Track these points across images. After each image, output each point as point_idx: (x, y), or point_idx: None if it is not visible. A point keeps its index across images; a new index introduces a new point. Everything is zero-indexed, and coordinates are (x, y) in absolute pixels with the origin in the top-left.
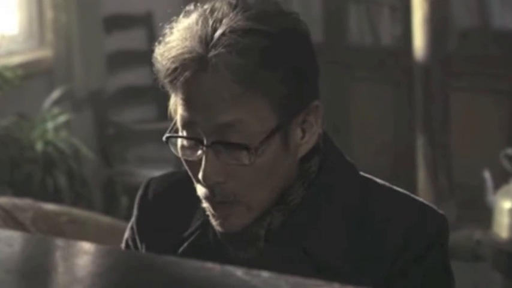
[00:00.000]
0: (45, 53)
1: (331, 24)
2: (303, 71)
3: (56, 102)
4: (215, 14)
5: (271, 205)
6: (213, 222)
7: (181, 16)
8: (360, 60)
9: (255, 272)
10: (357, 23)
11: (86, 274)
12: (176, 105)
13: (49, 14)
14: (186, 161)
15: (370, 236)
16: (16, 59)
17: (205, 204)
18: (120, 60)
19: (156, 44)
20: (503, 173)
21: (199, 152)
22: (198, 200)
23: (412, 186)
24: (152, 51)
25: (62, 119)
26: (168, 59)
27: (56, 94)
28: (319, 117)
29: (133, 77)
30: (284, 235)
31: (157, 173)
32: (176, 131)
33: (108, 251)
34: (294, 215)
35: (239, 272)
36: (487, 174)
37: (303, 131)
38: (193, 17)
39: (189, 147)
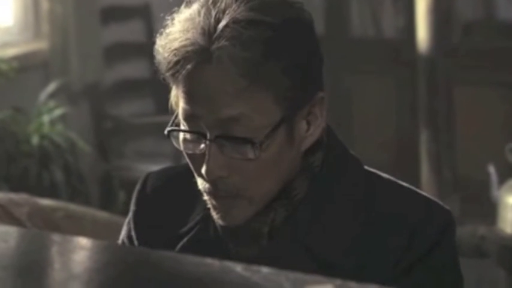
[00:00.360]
0: (40, 45)
1: (332, 16)
2: (307, 62)
3: (52, 95)
4: (218, 4)
5: (273, 198)
6: (214, 215)
7: (182, 6)
8: (361, 52)
9: (254, 267)
10: (359, 14)
11: (83, 270)
12: (177, 98)
13: (45, 5)
14: (188, 154)
15: (374, 232)
16: (11, 51)
17: (206, 197)
18: (117, 52)
19: (157, 35)
20: (508, 168)
21: (202, 145)
22: (197, 194)
23: (416, 181)
24: (150, 43)
25: (58, 112)
26: (170, 52)
27: (51, 87)
28: (324, 109)
29: (131, 69)
30: (287, 232)
31: (155, 167)
32: (178, 124)
33: (106, 246)
34: (297, 210)
35: (239, 267)
36: (491, 169)
37: (308, 124)
38: (195, 7)
39: (191, 141)
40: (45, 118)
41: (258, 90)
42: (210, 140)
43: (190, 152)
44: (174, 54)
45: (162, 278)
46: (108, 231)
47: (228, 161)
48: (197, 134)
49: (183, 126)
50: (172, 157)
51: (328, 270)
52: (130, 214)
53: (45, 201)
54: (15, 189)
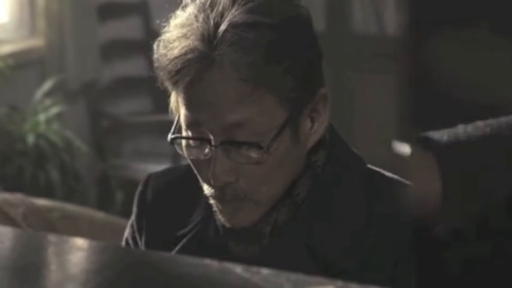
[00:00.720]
0: (36, 42)
1: (334, 12)
2: (308, 60)
3: (48, 94)
4: (215, 8)
5: (279, 199)
6: (220, 218)
7: (178, 11)
8: (364, 50)
9: (254, 269)
10: (361, 10)
11: (80, 271)
12: (178, 103)
13: (40, 1)
14: (192, 160)
15: (376, 231)
16: (6, 48)
17: (212, 201)
18: (114, 49)
19: (155, 43)
20: None
21: (207, 150)
22: (198, 195)
23: None
24: (148, 40)
25: (54, 110)
26: (170, 60)
27: (48, 85)
28: (327, 106)
29: (128, 67)
30: (288, 231)
31: (153, 166)
32: (180, 129)
33: (103, 247)
34: (299, 210)
35: (238, 269)
36: None
37: (312, 121)
38: (191, 11)
39: (195, 147)
40: (41, 117)
41: (261, 94)
42: (215, 146)
43: (194, 158)
44: (175, 63)
45: (160, 280)
46: (105, 232)
47: (235, 165)
48: (201, 140)
49: (185, 132)
50: (170, 156)
51: (329, 270)
52: (133, 216)
53: (41, 202)
54: (10, 189)
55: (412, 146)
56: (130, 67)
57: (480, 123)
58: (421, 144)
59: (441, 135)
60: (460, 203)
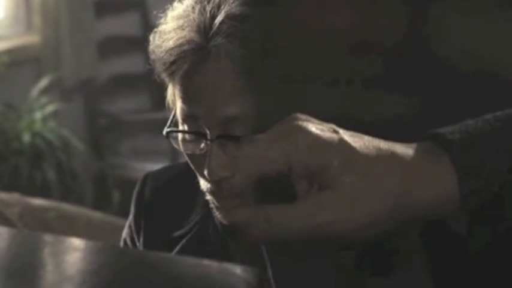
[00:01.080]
0: (32, 38)
1: None
2: None
3: (44, 91)
4: None
5: None
6: (217, 215)
7: (175, 2)
8: None
9: (254, 269)
10: None
11: (76, 272)
12: (174, 97)
13: None
14: (188, 155)
15: None
16: (2, 45)
17: (209, 197)
18: (112, 46)
19: (151, 35)
20: None
21: (203, 145)
22: (197, 194)
23: None
24: (146, 37)
25: (50, 108)
26: (166, 52)
27: (44, 82)
28: None
29: (126, 64)
30: None
31: (151, 165)
32: (176, 123)
33: (100, 247)
34: None
35: (238, 269)
36: None
37: None
38: (189, 3)
39: (191, 141)
40: (37, 115)
41: (258, 87)
42: (211, 140)
43: (190, 152)
44: (170, 54)
45: (159, 280)
46: (103, 232)
47: (231, 160)
48: (197, 134)
49: (181, 126)
50: (169, 155)
51: None
52: (131, 216)
53: (37, 201)
54: (5, 188)
55: (422, 143)
56: (128, 64)
57: (490, 117)
58: (431, 141)
59: (452, 131)
60: (474, 196)
